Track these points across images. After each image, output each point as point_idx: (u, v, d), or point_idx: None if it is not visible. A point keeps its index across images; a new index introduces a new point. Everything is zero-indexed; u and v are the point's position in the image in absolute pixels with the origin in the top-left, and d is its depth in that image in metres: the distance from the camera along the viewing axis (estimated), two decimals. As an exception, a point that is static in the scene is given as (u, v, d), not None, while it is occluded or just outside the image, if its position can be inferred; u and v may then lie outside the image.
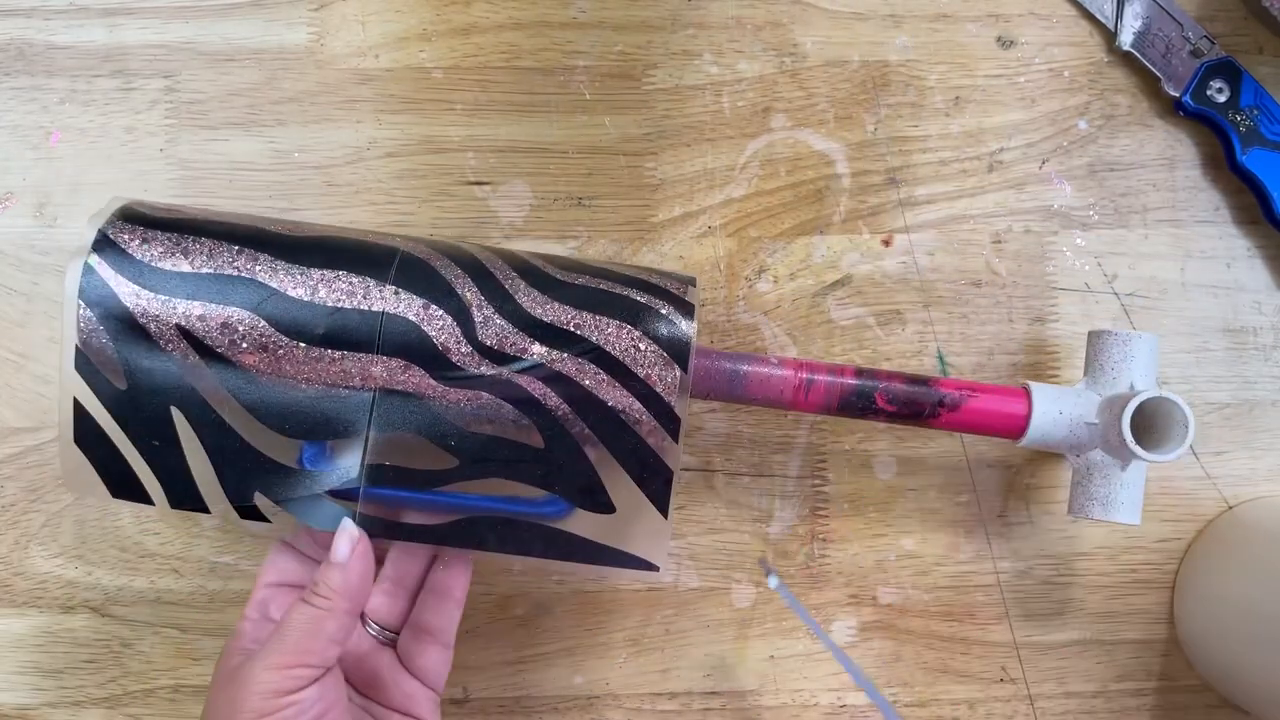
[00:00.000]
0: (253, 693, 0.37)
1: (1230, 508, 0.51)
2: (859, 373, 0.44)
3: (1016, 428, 0.44)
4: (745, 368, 0.43)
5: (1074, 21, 0.52)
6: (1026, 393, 0.44)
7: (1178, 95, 0.51)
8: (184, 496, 0.41)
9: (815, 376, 0.44)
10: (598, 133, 0.51)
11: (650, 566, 0.42)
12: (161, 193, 0.50)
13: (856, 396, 0.44)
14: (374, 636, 0.44)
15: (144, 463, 0.41)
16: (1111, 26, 0.52)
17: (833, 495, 0.51)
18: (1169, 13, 0.51)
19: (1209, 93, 0.50)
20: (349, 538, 0.40)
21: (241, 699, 0.37)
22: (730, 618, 0.51)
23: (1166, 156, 0.52)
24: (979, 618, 0.51)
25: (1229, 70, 0.50)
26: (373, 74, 0.51)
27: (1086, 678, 0.51)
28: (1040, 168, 0.52)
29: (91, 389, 0.40)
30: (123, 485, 0.41)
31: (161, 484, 0.41)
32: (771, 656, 0.51)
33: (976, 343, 0.51)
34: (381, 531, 0.41)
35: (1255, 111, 0.50)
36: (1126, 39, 0.51)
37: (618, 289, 0.42)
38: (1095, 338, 0.46)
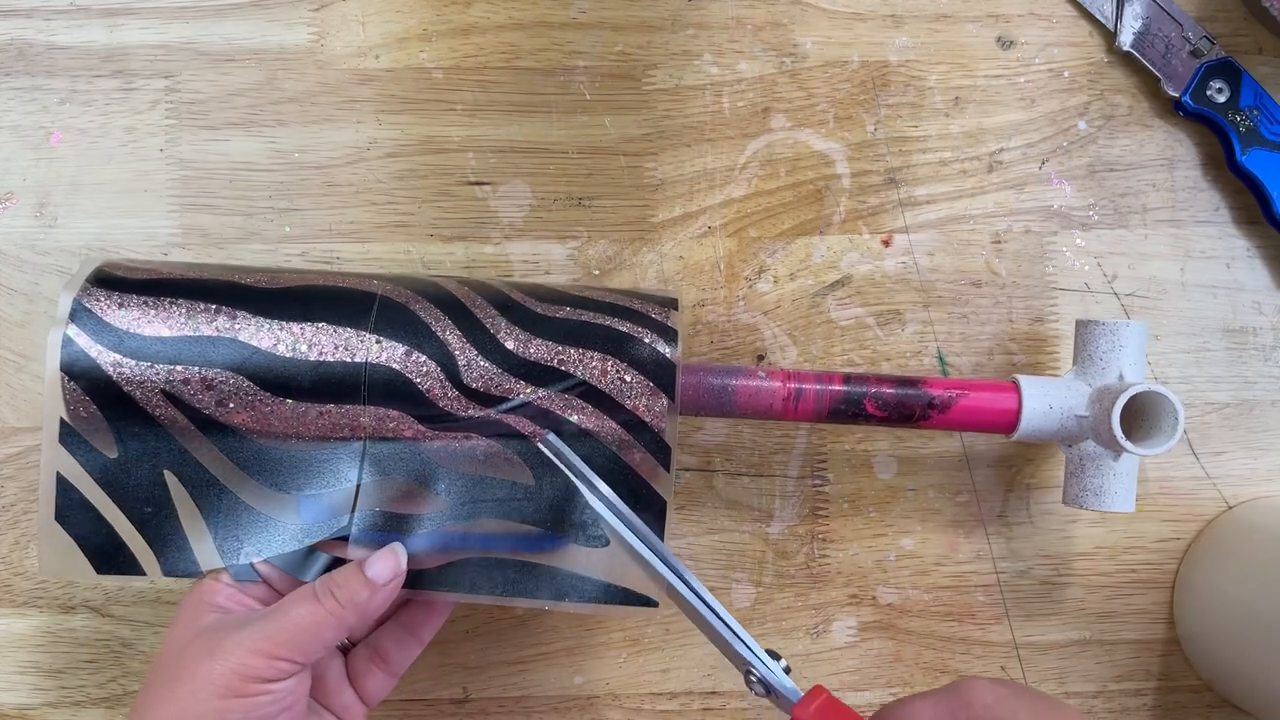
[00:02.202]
0: (230, 670, 0.36)
1: (1230, 508, 0.51)
2: (847, 379, 0.44)
3: (1008, 424, 0.44)
4: (733, 382, 0.43)
5: (1074, 22, 0.52)
6: (1016, 388, 0.44)
7: (1178, 95, 0.51)
8: (178, 562, 0.40)
9: (803, 386, 0.44)
10: (598, 133, 0.51)
11: (648, 602, 0.41)
12: (161, 192, 0.50)
13: (845, 403, 0.44)
14: None
15: (135, 532, 0.40)
16: (1111, 27, 0.52)
17: (833, 495, 0.51)
18: (1169, 13, 0.51)
19: (1209, 93, 0.50)
20: (395, 564, 0.39)
21: (216, 673, 0.36)
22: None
23: (1166, 157, 0.52)
24: (979, 618, 0.51)
25: (1229, 70, 0.50)
26: (373, 74, 0.51)
27: (1086, 678, 0.51)
28: (1040, 168, 0.52)
29: (77, 461, 0.40)
30: (110, 559, 0.40)
31: (155, 552, 0.40)
32: (771, 656, 0.51)
33: (976, 343, 0.51)
34: None
35: (1255, 112, 0.50)
36: (1126, 39, 0.51)
37: (599, 319, 0.42)
38: (1083, 327, 0.46)
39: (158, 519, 0.40)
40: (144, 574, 0.40)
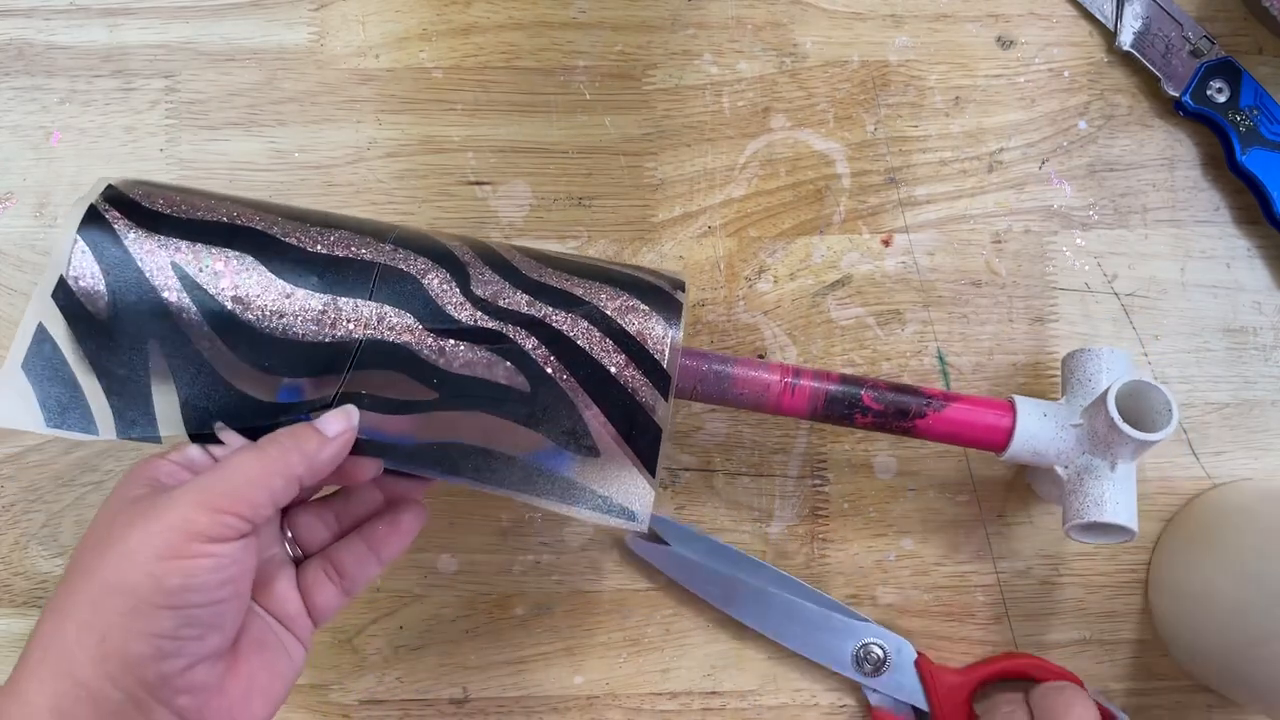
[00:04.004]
0: (170, 527, 0.32)
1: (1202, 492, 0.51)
2: (844, 379, 0.44)
3: (1002, 436, 0.44)
4: (731, 369, 0.44)
5: (1074, 21, 0.52)
6: (1010, 403, 0.44)
7: (1178, 95, 0.51)
8: (136, 425, 0.39)
9: (800, 380, 0.44)
10: (598, 133, 0.51)
11: (629, 515, 0.40)
12: (161, 193, 0.50)
13: (840, 401, 0.44)
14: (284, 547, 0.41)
15: (100, 393, 0.39)
16: (1111, 26, 0.52)
17: (833, 495, 0.51)
18: (1169, 13, 0.51)
19: (1209, 93, 0.50)
20: (347, 419, 0.38)
21: (153, 532, 0.32)
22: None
23: (1166, 156, 0.52)
24: (979, 618, 0.51)
25: (1229, 70, 0.50)
26: (373, 74, 0.51)
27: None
28: (1040, 168, 0.52)
29: (64, 314, 0.40)
30: (64, 414, 0.39)
31: (115, 414, 0.39)
32: (771, 656, 0.51)
33: (976, 343, 0.51)
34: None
35: (1255, 111, 0.50)
36: (1126, 39, 0.51)
37: (610, 267, 0.44)
38: (1070, 358, 0.46)
39: (129, 382, 0.40)
40: (97, 434, 0.39)
